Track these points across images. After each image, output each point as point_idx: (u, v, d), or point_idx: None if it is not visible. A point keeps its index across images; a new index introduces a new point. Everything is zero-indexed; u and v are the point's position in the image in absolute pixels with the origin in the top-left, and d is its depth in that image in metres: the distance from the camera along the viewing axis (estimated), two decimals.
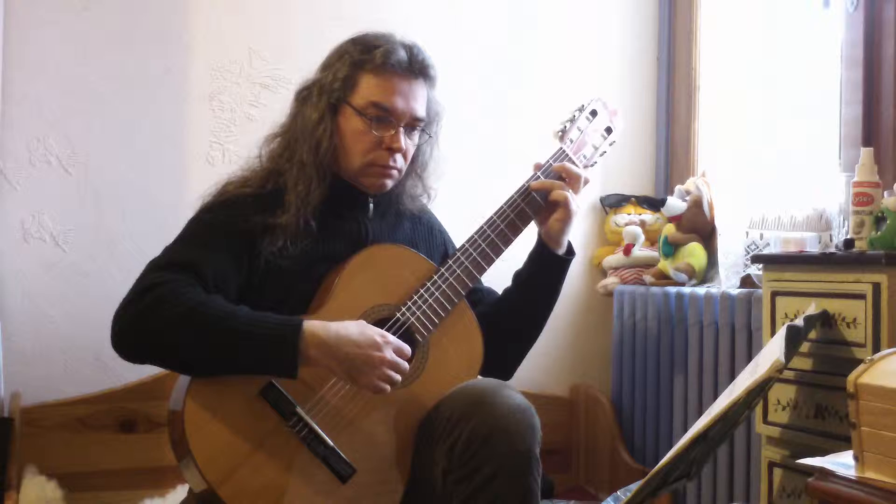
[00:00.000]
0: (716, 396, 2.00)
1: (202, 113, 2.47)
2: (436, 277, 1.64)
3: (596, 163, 1.83)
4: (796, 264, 1.77)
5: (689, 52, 2.81)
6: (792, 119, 2.46)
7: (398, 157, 1.66)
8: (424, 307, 1.61)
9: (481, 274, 1.68)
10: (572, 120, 1.79)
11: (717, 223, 2.41)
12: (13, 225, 2.32)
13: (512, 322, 1.76)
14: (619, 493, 1.69)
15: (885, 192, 1.77)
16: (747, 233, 2.23)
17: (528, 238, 1.75)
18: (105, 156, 2.38)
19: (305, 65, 1.74)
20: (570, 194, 1.71)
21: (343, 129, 1.64)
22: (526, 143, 2.64)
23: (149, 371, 2.25)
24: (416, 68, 1.66)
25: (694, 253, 2.44)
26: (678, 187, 2.61)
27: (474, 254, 1.67)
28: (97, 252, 2.37)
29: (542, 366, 2.71)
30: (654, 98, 2.90)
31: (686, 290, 2.37)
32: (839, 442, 1.59)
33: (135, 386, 2.30)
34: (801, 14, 2.43)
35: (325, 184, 1.63)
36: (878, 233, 1.69)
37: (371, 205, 1.70)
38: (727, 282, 2.29)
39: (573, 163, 1.75)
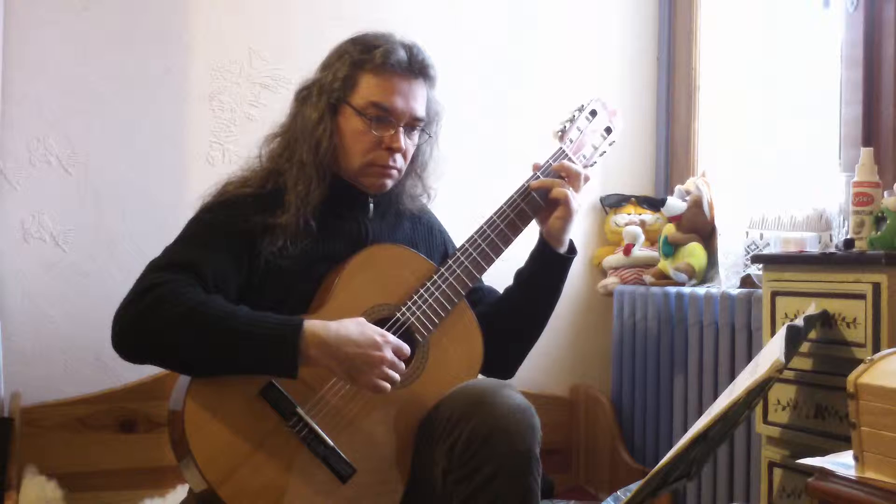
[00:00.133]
0: (716, 396, 1.99)
1: (202, 113, 2.47)
2: (436, 277, 1.64)
3: (595, 163, 1.83)
4: (796, 264, 1.77)
5: (689, 52, 2.81)
6: (792, 119, 2.45)
7: (398, 156, 1.66)
8: (424, 307, 1.61)
9: (481, 274, 1.68)
10: (572, 120, 1.79)
11: (717, 223, 2.41)
12: (13, 225, 2.31)
13: (513, 321, 1.76)
14: (619, 493, 1.69)
15: (885, 192, 1.77)
16: (747, 233, 2.23)
17: (529, 237, 1.75)
18: (105, 156, 2.38)
19: (305, 65, 1.75)
20: (570, 192, 1.71)
21: (343, 128, 1.64)
22: (526, 143, 2.64)
23: (149, 371, 2.25)
24: (416, 68, 1.66)
25: (694, 253, 2.44)
26: (678, 187, 2.61)
27: (474, 254, 1.67)
28: (97, 252, 2.37)
29: (542, 366, 2.71)
30: (654, 98, 2.90)
31: (686, 290, 2.37)
32: (839, 442, 1.59)
33: (135, 386, 2.29)
34: (801, 14, 2.43)
35: (324, 184, 1.63)
36: (878, 233, 1.68)
37: (371, 205, 1.70)
38: (727, 282, 2.29)
39: (573, 162, 1.75)
